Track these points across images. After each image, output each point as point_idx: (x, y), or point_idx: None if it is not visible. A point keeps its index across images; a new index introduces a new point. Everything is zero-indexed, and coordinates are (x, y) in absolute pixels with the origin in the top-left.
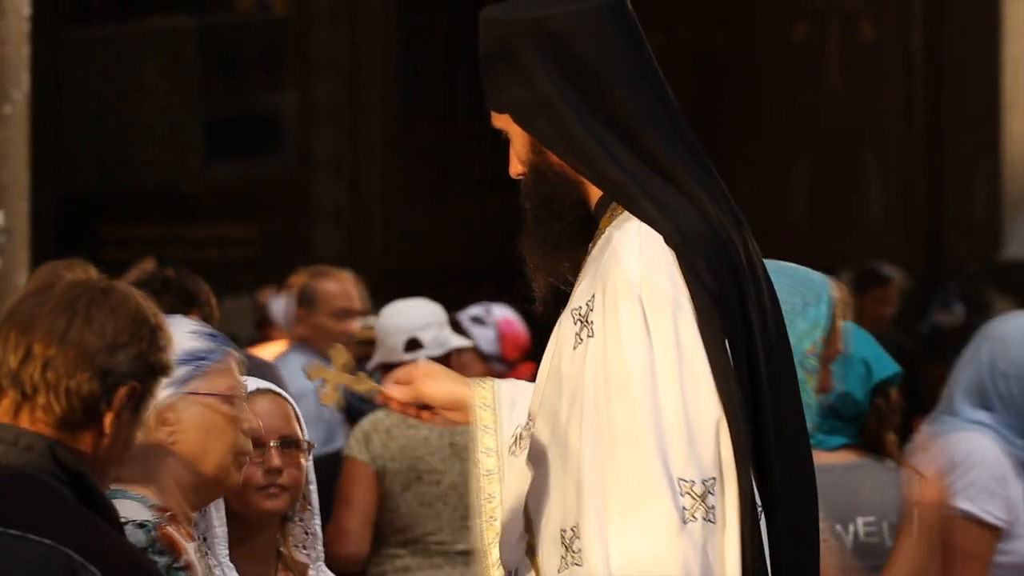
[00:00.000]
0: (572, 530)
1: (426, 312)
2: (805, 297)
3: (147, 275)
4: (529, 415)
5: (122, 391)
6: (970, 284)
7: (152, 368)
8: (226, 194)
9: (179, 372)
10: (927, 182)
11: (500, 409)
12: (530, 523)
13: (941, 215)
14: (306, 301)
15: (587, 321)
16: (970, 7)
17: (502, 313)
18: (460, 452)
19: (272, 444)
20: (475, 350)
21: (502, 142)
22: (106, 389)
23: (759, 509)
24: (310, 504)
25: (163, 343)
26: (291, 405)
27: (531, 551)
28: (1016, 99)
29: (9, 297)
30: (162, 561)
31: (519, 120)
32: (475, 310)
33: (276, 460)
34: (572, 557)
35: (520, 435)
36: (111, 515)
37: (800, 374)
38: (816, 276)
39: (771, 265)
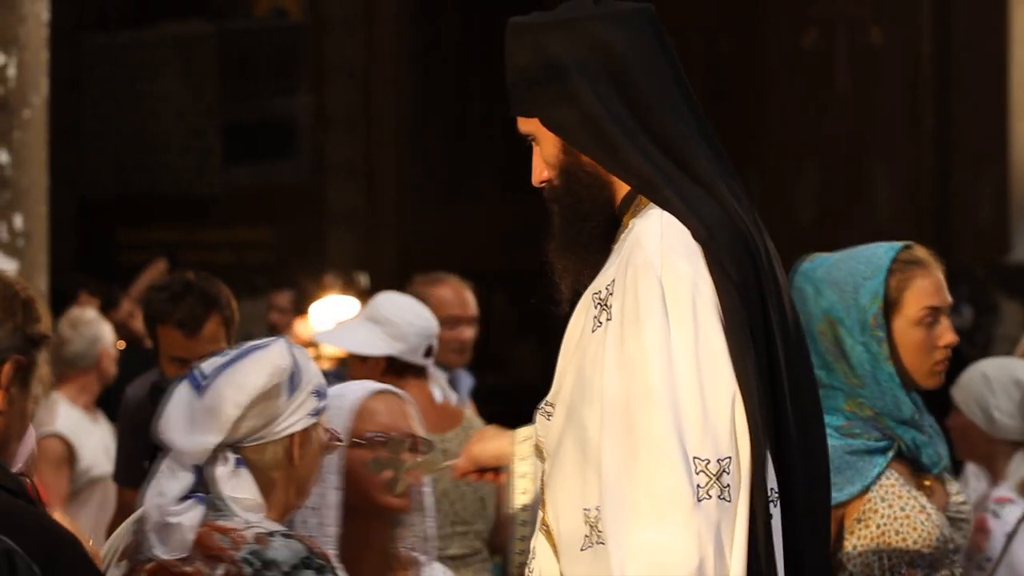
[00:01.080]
0: (596, 509)
1: (432, 318)
2: (864, 273)
3: (168, 279)
4: (547, 400)
5: (7, 367)
6: (978, 287)
7: (32, 340)
8: (242, 198)
9: (315, 403)
10: (935, 186)
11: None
12: (544, 502)
13: (948, 219)
14: None
15: (607, 305)
16: (978, 14)
17: None
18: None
19: None
20: None
21: (514, 147)
22: None
23: (775, 492)
24: (424, 505)
25: (37, 314)
26: (411, 405)
27: (545, 528)
28: (1023, 104)
29: None
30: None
31: (548, 122)
32: None
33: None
34: (597, 536)
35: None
36: (20, 490)
37: (874, 347)
38: (882, 248)
39: (845, 251)
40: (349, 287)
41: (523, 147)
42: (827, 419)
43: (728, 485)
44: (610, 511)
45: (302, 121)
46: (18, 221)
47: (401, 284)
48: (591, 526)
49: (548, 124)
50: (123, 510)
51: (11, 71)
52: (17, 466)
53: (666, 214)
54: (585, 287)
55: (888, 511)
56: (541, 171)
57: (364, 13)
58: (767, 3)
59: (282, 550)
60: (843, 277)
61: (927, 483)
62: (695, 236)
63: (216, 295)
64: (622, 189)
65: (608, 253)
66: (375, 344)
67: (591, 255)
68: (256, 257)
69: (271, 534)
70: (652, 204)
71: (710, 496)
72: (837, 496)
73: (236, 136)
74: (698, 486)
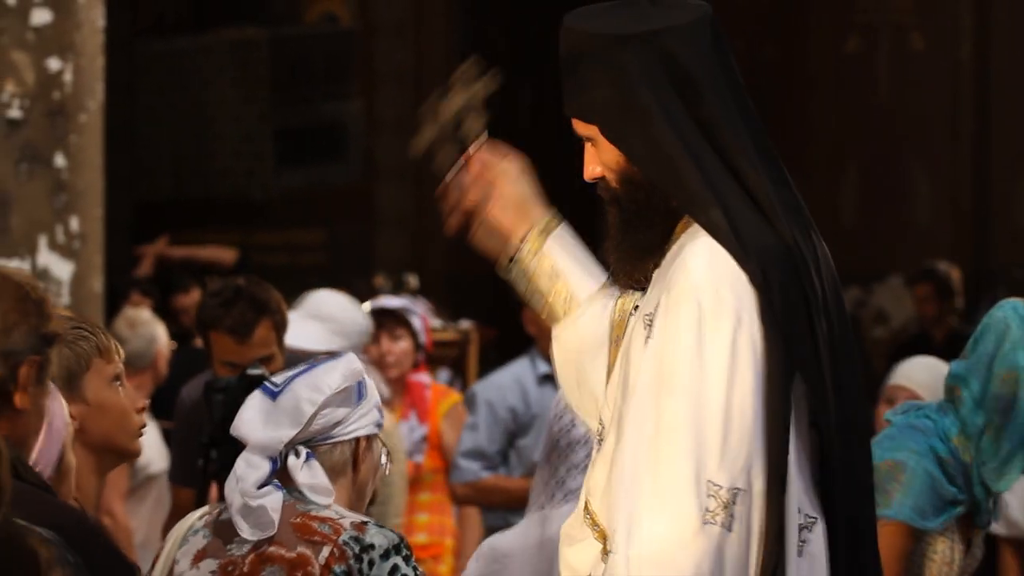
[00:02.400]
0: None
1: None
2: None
3: (220, 285)
4: (601, 422)
5: (25, 368)
6: (1017, 289)
7: (45, 338)
8: (294, 201)
9: (377, 416)
10: (974, 189)
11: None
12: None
13: (988, 221)
14: None
15: (652, 325)
16: (1017, 20)
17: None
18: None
19: None
20: None
21: (561, 151)
22: (9, 370)
23: (809, 518)
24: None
25: (48, 311)
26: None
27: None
28: None
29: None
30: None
31: (608, 133)
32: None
33: None
34: (611, 545)
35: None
36: (41, 483)
37: None
38: None
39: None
40: (399, 288)
41: (571, 151)
42: (932, 441)
43: (733, 516)
44: (619, 522)
45: (353, 125)
46: (74, 223)
47: (449, 284)
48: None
49: (608, 135)
50: (178, 509)
51: (67, 77)
52: (41, 467)
53: (714, 242)
54: (636, 287)
55: (931, 553)
56: (593, 168)
57: (413, 19)
58: (810, 10)
59: (377, 536)
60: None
61: (975, 533)
62: (752, 281)
63: (266, 300)
64: None
65: (661, 257)
66: (320, 340)
67: (648, 260)
68: (308, 259)
69: (365, 523)
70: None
71: (715, 522)
72: (912, 519)
73: (288, 140)
74: (707, 509)
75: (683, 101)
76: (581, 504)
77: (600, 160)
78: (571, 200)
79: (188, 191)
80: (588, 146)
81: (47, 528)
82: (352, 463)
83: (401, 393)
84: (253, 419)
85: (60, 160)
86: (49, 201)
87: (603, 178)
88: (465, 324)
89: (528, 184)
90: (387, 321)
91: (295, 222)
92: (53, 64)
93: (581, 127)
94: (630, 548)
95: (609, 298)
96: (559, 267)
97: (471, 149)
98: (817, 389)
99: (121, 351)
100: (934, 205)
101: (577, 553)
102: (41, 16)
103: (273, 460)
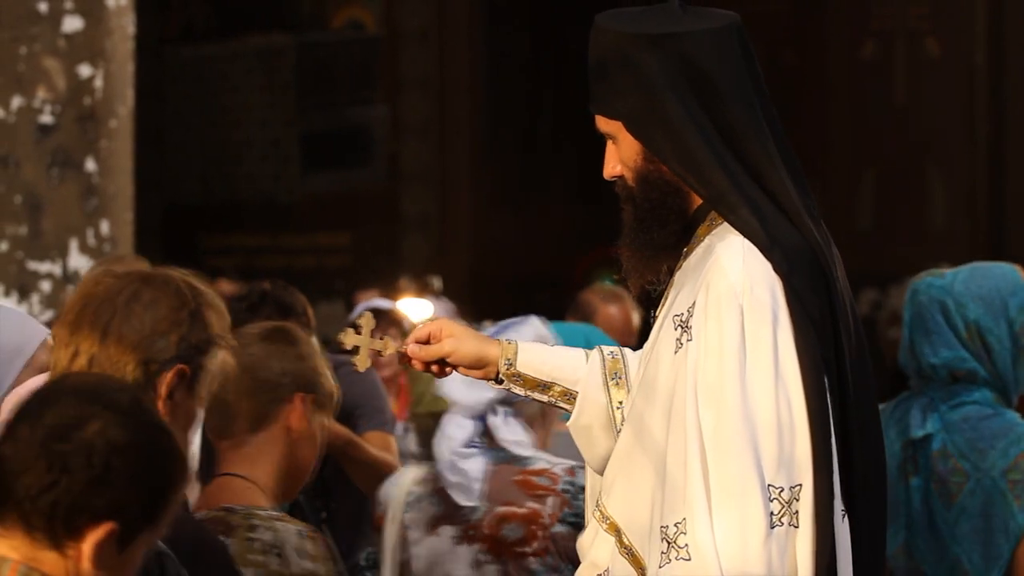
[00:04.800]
0: (676, 526)
1: None
2: (1007, 290)
3: (247, 289)
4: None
5: (167, 376)
6: None
7: (198, 348)
8: (320, 204)
9: None
10: (989, 193)
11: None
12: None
13: (1003, 225)
14: (584, 316)
15: (687, 327)
16: None
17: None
18: None
19: None
20: None
21: (585, 155)
22: (149, 377)
23: (842, 513)
24: None
25: (208, 319)
26: None
27: (628, 552)
28: None
29: None
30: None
31: (632, 129)
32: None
33: None
34: (677, 552)
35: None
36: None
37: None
38: (1006, 268)
39: (968, 269)
40: (423, 290)
41: (594, 156)
42: (977, 395)
43: (797, 512)
44: (698, 527)
45: (378, 130)
46: (105, 227)
47: (474, 287)
48: (668, 542)
49: (633, 131)
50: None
51: (98, 83)
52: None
53: (747, 241)
54: (649, 286)
55: None
56: (614, 166)
57: (437, 25)
58: (827, 17)
59: (586, 478)
60: (988, 292)
61: None
62: (776, 270)
63: (292, 304)
64: (698, 199)
65: (676, 256)
66: None
67: (661, 258)
68: (334, 261)
69: (573, 467)
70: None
71: (782, 523)
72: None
73: (314, 144)
74: (771, 513)
75: (707, 104)
76: (591, 499)
77: (620, 158)
78: (585, 200)
79: (216, 195)
80: (609, 144)
81: (164, 540)
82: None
83: (395, 393)
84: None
85: (91, 164)
86: (80, 205)
87: (621, 176)
88: (488, 326)
89: (465, 328)
90: (379, 322)
91: (321, 225)
92: (84, 70)
93: (604, 124)
94: (701, 558)
95: (595, 364)
96: (543, 380)
97: (399, 349)
98: (842, 387)
99: None
100: (950, 209)
101: (597, 549)
102: (72, 23)
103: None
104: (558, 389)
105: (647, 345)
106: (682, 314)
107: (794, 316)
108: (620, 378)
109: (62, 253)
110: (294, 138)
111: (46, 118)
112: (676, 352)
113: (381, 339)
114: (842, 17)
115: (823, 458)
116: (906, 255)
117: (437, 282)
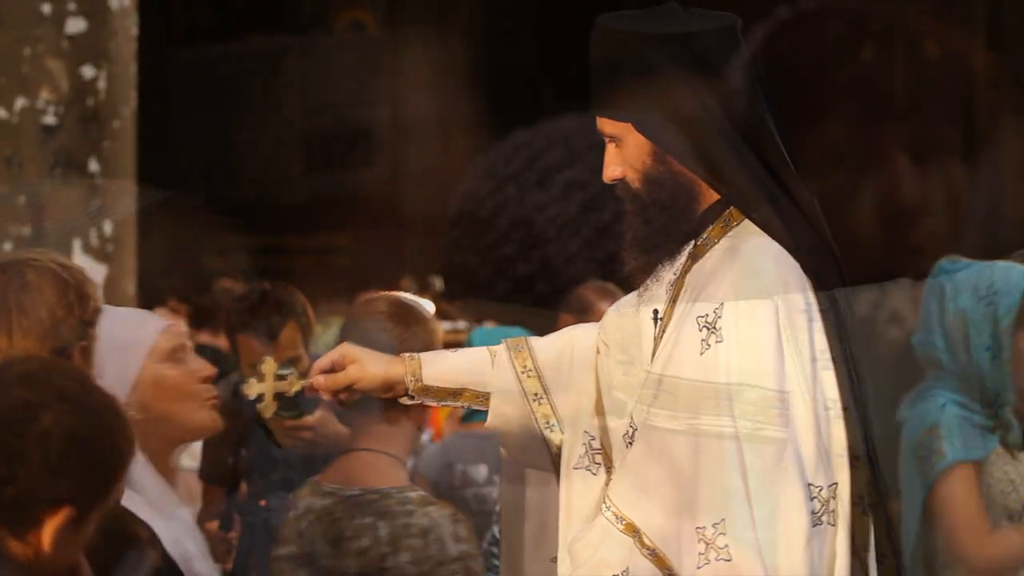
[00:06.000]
0: (714, 527)
1: None
2: (1004, 289)
3: (247, 289)
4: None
5: (74, 354)
6: None
7: (89, 323)
8: (323, 205)
9: None
10: (988, 193)
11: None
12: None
13: (1002, 225)
14: (579, 310)
15: (714, 328)
16: None
17: None
18: None
19: None
20: None
21: (585, 155)
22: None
23: (867, 508)
24: None
25: (89, 295)
26: None
27: (651, 552)
28: None
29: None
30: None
31: (644, 129)
32: None
33: None
34: (717, 552)
35: (588, 446)
36: None
37: (997, 353)
38: (1018, 270)
39: (984, 263)
40: (425, 291)
41: (594, 156)
42: (949, 394)
43: (834, 510)
44: (734, 534)
45: (380, 130)
46: (107, 227)
47: (475, 287)
48: (707, 543)
49: (645, 131)
50: (209, 508)
51: (101, 84)
52: None
53: (775, 243)
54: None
55: (997, 475)
56: (614, 168)
57: (439, 27)
58: (826, 18)
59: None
60: (984, 287)
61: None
62: (805, 270)
63: (291, 303)
64: (709, 198)
65: (681, 255)
66: None
67: (668, 258)
68: (336, 261)
69: None
70: (747, 221)
71: (821, 522)
72: (968, 454)
73: (316, 145)
74: (812, 512)
75: (722, 103)
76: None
77: (623, 160)
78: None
79: (218, 195)
80: (611, 146)
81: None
82: None
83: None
84: None
85: (94, 165)
86: (83, 205)
87: (623, 179)
88: (489, 326)
89: (367, 352)
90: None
91: (323, 226)
92: (87, 72)
93: (610, 126)
94: (743, 558)
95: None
96: (452, 388)
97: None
98: (861, 384)
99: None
100: (949, 208)
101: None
102: (76, 25)
103: None
104: (469, 394)
105: (662, 348)
106: (707, 315)
107: (825, 316)
108: (530, 370)
109: (65, 253)
110: (296, 139)
111: (49, 119)
112: (703, 353)
113: (284, 379)
114: (840, 19)
115: (855, 457)
116: (906, 255)
117: (438, 282)
